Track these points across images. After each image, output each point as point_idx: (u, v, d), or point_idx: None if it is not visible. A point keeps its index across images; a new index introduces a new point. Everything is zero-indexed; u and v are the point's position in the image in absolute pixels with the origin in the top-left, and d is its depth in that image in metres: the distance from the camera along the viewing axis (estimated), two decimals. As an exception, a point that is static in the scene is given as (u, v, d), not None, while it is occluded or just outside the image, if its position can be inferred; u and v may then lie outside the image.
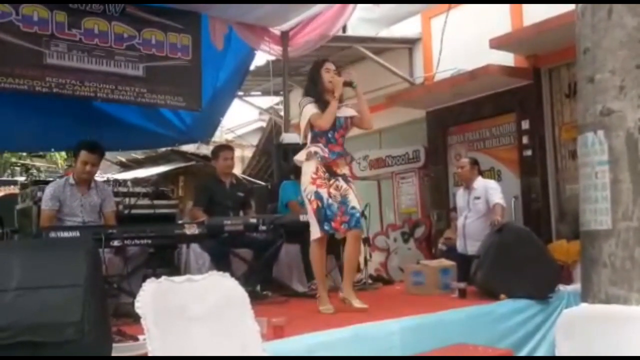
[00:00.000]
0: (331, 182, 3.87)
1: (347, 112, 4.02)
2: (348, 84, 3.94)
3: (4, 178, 11.52)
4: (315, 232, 3.82)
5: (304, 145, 4.04)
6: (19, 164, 13.86)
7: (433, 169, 8.09)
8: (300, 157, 3.95)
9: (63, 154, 12.32)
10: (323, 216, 3.77)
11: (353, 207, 3.85)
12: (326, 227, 3.78)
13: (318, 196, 3.78)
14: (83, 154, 4.34)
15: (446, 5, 7.38)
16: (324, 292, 3.89)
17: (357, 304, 3.77)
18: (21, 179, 10.57)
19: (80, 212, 4.36)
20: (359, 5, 6.47)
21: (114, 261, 4.08)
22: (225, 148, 5.44)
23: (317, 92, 3.97)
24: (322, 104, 3.91)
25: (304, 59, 8.00)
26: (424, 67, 8.20)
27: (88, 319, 2.15)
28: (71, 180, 4.41)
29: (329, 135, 3.91)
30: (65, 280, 2.20)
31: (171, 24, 5.97)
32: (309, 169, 3.85)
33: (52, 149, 9.89)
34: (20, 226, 5.31)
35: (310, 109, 3.88)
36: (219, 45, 6.18)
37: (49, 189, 4.36)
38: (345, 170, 4.01)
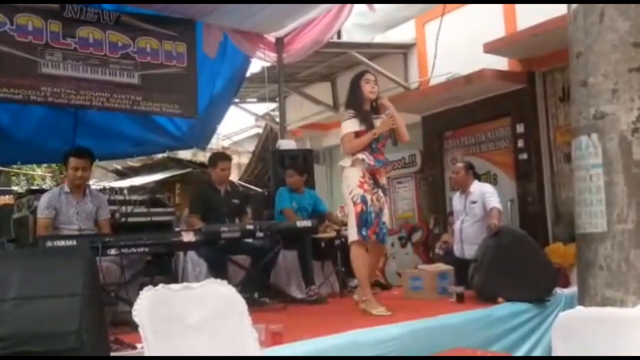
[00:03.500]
0: (374, 190, 4.03)
1: None
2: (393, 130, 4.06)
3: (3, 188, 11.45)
4: (352, 234, 3.95)
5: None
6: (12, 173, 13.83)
7: (429, 174, 8.10)
8: (345, 163, 4.08)
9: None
10: (364, 221, 3.91)
11: (384, 223, 4.07)
12: (363, 233, 3.91)
13: (364, 200, 3.94)
14: (72, 161, 4.37)
15: (440, 10, 7.39)
16: (371, 295, 3.99)
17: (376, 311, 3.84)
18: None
19: (76, 219, 4.37)
20: (354, 11, 6.48)
21: (111, 269, 4.07)
22: (224, 158, 5.35)
23: (357, 104, 4.13)
24: (362, 115, 4.07)
25: (299, 65, 8.03)
26: (419, 72, 8.22)
27: (86, 328, 2.15)
28: (66, 189, 4.41)
29: (373, 146, 4.07)
30: (63, 290, 2.20)
31: (166, 32, 5.97)
32: (355, 174, 4.00)
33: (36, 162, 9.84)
34: (17, 235, 5.30)
35: (348, 127, 4.04)
36: (211, 53, 6.19)
37: (44, 198, 4.36)
38: (384, 180, 4.22)
